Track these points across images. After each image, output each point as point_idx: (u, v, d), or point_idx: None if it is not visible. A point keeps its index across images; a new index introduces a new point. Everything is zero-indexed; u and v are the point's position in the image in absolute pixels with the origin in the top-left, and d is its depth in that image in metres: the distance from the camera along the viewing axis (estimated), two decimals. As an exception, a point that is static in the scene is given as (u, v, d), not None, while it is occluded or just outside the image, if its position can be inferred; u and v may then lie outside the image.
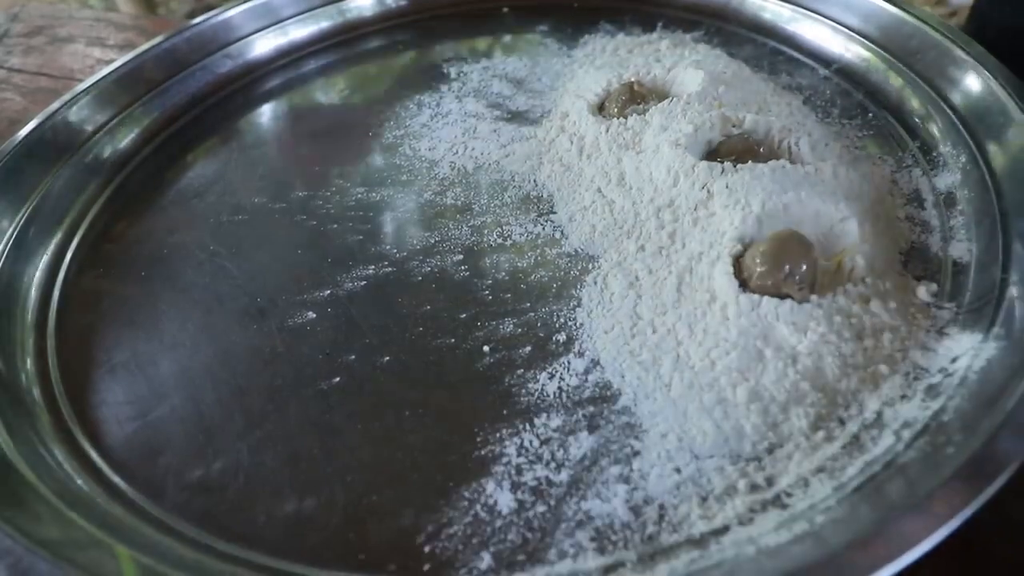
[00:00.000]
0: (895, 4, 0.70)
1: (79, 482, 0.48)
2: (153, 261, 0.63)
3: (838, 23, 0.74)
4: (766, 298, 0.49)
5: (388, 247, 0.61)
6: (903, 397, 0.46)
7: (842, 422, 0.45)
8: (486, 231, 0.61)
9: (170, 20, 1.40)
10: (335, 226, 0.64)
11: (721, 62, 0.71)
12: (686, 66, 0.69)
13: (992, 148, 0.58)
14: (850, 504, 0.40)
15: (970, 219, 0.56)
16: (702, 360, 0.49)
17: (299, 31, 0.86)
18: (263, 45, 0.84)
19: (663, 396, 0.48)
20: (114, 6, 2.04)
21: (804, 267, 0.50)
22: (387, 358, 0.53)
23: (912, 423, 0.44)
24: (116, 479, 0.49)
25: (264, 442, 0.49)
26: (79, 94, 0.74)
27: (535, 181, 0.65)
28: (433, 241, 0.61)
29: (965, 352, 0.46)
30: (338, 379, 0.52)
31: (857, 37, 0.73)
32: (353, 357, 0.53)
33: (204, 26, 0.83)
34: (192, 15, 2.26)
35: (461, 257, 0.59)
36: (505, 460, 0.46)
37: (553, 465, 0.46)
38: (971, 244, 0.55)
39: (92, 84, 0.76)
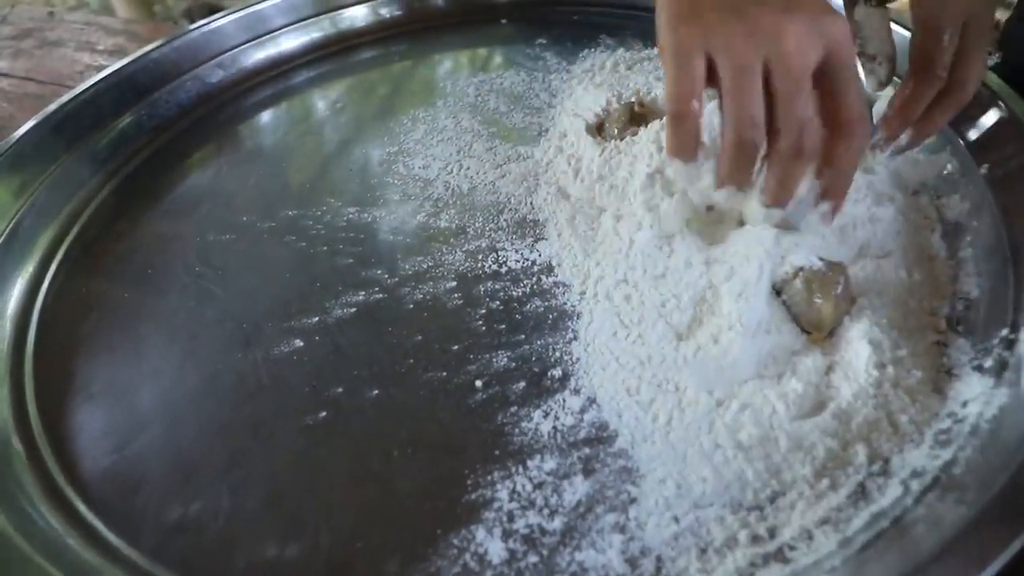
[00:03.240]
0: (902, 24, 0.68)
1: (52, 521, 0.46)
2: (137, 282, 0.61)
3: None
4: (771, 336, 0.48)
5: (379, 272, 0.59)
6: (910, 442, 0.44)
7: (847, 469, 0.43)
8: (480, 256, 0.60)
9: (163, 25, 1.38)
10: (325, 248, 0.62)
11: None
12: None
13: (1003, 178, 0.56)
14: (857, 563, 0.38)
15: (979, 252, 0.54)
16: (703, 400, 0.47)
17: (291, 41, 0.84)
18: (254, 55, 0.82)
19: (662, 438, 0.46)
20: (109, 4, 2.01)
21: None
22: (376, 391, 0.51)
23: (921, 473, 0.42)
24: (91, 517, 0.47)
25: (245, 481, 0.47)
26: (65, 103, 0.72)
27: (531, 204, 0.63)
28: (426, 266, 0.59)
29: (976, 397, 0.45)
30: (324, 414, 0.50)
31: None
32: (340, 390, 0.52)
33: (195, 35, 0.81)
34: (188, 13, 2.24)
35: (454, 284, 0.58)
36: (496, 505, 0.44)
37: (546, 512, 0.44)
38: (980, 279, 0.53)
39: (79, 93, 0.74)
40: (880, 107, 0.56)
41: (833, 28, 0.43)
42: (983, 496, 0.37)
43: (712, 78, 0.45)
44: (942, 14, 0.49)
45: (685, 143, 0.47)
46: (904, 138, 0.55)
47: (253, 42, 0.82)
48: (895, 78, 0.57)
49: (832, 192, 0.48)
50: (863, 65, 0.56)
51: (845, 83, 0.44)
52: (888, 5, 0.55)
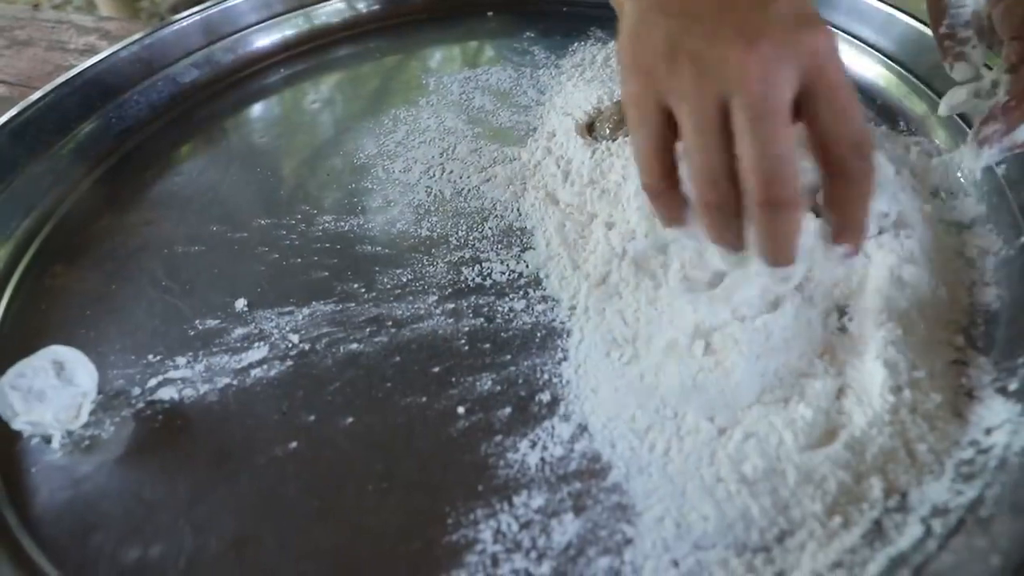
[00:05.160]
0: (915, 16, 0.64)
1: (-2, 568, 0.43)
2: (100, 297, 0.57)
3: (851, 35, 0.68)
4: (778, 358, 0.44)
5: (355, 285, 0.55)
6: (930, 473, 0.40)
7: (861, 505, 0.40)
8: (464, 268, 0.56)
9: (136, 23, 1.34)
10: (298, 260, 0.58)
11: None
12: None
13: (1021, 180, 0.52)
14: (875, 617, 0.35)
15: (999, 260, 0.50)
16: (703, 428, 0.43)
17: (264, 39, 0.80)
18: (227, 54, 0.78)
19: (659, 471, 0.43)
20: (92, 1, 1.97)
21: None
22: (350, 419, 0.47)
23: (943, 511, 0.38)
24: (41, 560, 0.43)
25: (210, 520, 0.44)
26: (27, 107, 0.68)
27: (518, 210, 0.60)
28: (406, 279, 0.55)
29: (1000, 425, 0.41)
30: (295, 444, 0.47)
31: (872, 52, 0.67)
32: (313, 418, 0.48)
33: (166, 32, 0.77)
34: (175, 9, 2.19)
35: (436, 299, 0.54)
36: (479, 548, 0.41)
37: (534, 555, 0.40)
38: (1000, 289, 0.49)
39: (42, 96, 0.69)
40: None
41: (811, 46, 0.36)
42: (1017, 545, 0.34)
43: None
44: None
45: (672, 215, 0.42)
46: (1022, 132, 0.48)
47: (226, 39, 0.78)
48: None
49: (843, 238, 0.41)
50: (948, 49, 0.51)
51: (832, 111, 0.36)
52: None
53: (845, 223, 0.40)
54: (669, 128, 0.39)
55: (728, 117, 0.37)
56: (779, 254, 0.39)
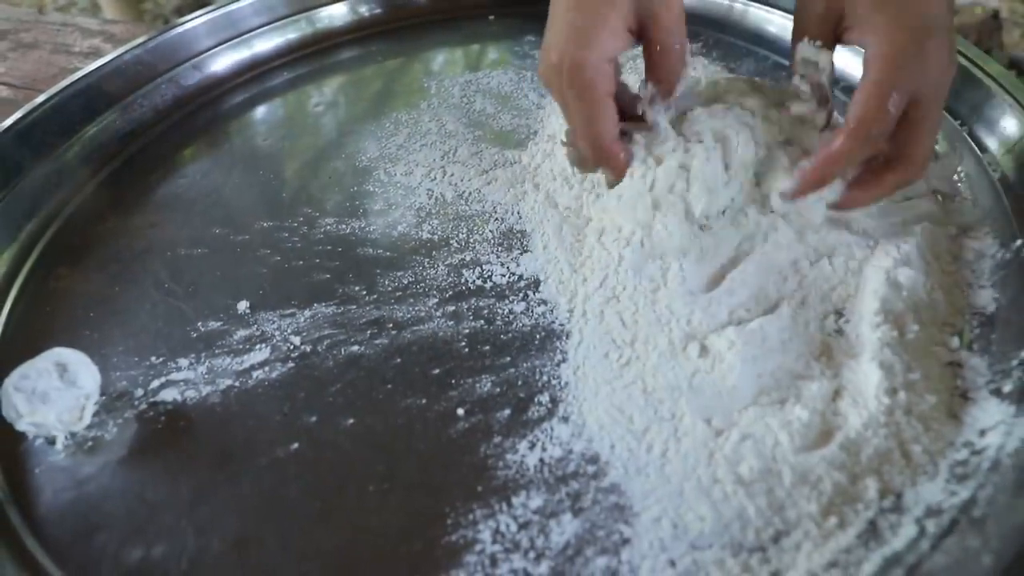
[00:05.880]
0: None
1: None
2: (103, 299, 0.58)
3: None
4: (775, 360, 0.44)
5: (357, 288, 0.56)
6: (924, 474, 0.41)
7: (856, 505, 0.40)
8: (464, 271, 0.56)
9: (140, 26, 1.35)
10: (300, 263, 0.58)
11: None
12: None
13: (1018, 183, 0.53)
14: (869, 617, 0.35)
15: (995, 262, 0.51)
16: (700, 429, 0.44)
17: (267, 42, 0.80)
18: (230, 57, 0.79)
19: (656, 471, 0.43)
20: (97, 3, 1.98)
21: None
22: (351, 420, 0.48)
23: (936, 511, 0.39)
24: (45, 561, 0.44)
25: (212, 520, 0.44)
26: (32, 110, 0.69)
27: (519, 213, 0.60)
28: (406, 282, 0.56)
29: (995, 426, 0.41)
30: (296, 445, 0.47)
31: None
32: (314, 419, 0.48)
33: (170, 35, 0.77)
34: (180, 12, 2.20)
35: (436, 301, 0.54)
36: (479, 548, 0.41)
37: (532, 555, 0.40)
38: (995, 291, 0.49)
39: (47, 99, 0.70)
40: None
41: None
42: (1008, 546, 0.34)
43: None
44: (894, 74, 0.44)
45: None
46: (831, 194, 0.49)
47: (229, 43, 0.78)
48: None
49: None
50: (796, 107, 0.52)
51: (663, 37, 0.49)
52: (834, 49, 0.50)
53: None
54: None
55: None
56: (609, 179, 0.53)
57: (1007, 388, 0.43)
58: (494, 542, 0.41)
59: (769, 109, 0.51)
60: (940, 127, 0.48)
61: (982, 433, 0.42)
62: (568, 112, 0.50)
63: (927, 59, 0.44)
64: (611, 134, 0.49)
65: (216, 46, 0.78)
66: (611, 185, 0.52)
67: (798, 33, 0.50)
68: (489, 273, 0.56)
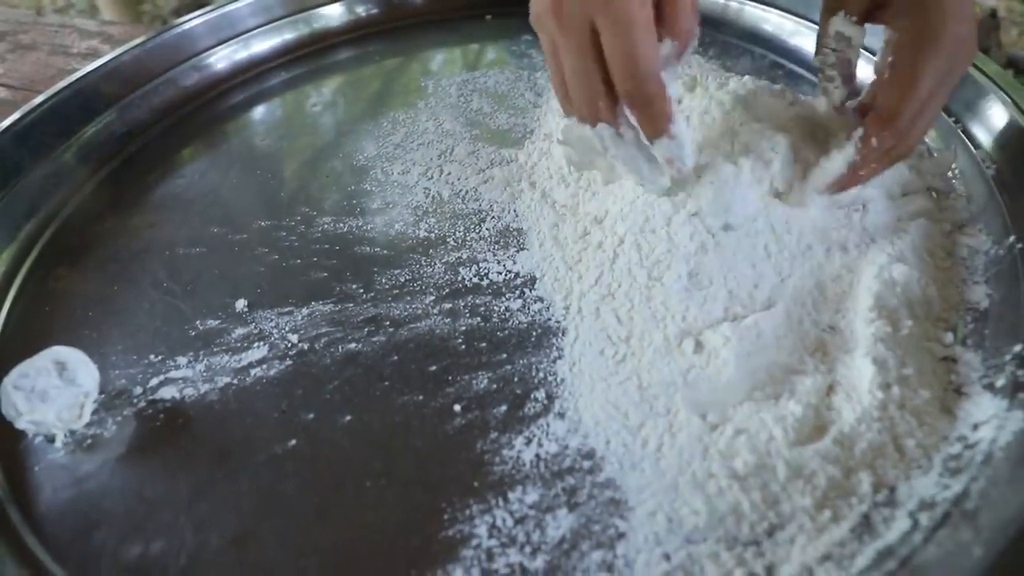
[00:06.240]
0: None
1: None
2: (102, 298, 0.58)
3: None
4: (769, 355, 0.45)
5: (354, 286, 0.56)
6: (918, 468, 0.41)
7: (850, 499, 0.40)
8: (461, 269, 0.56)
9: (139, 27, 1.35)
10: (298, 261, 0.59)
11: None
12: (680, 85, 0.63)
13: (1012, 179, 0.53)
14: (862, 608, 0.35)
15: (989, 258, 0.51)
16: (695, 424, 0.44)
17: (264, 43, 0.81)
18: (228, 57, 0.79)
19: (651, 466, 0.43)
20: (95, 4, 1.98)
21: None
22: (348, 417, 0.48)
23: (930, 504, 0.39)
24: (44, 557, 0.44)
25: (210, 517, 0.44)
26: (30, 111, 0.69)
27: (515, 212, 0.60)
28: (403, 280, 0.56)
29: (987, 420, 0.42)
30: (294, 442, 0.47)
31: (870, 56, 0.67)
32: (312, 416, 0.49)
33: (167, 36, 0.78)
34: (178, 12, 2.21)
35: (433, 299, 0.54)
36: (475, 543, 0.41)
37: (528, 549, 0.41)
38: (989, 287, 0.50)
39: (45, 100, 0.70)
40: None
41: None
42: (999, 536, 0.34)
43: None
44: (935, 63, 0.44)
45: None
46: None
47: (227, 44, 0.79)
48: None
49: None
50: (820, 80, 0.52)
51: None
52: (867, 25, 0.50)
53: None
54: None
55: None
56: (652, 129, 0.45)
57: (1000, 383, 0.44)
58: (490, 537, 0.41)
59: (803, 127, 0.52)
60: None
61: (975, 427, 0.42)
62: (576, 49, 0.44)
63: (960, 45, 0.45)
64: (656, 64, 0.43)
65: (214, 47, 0.78)
66: (653, 136, 0.46)
67: (832, 8, 0.50)
68: (486, 271, 0.56)
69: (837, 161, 0.49)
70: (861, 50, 0.51)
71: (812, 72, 0.70)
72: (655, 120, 0.45)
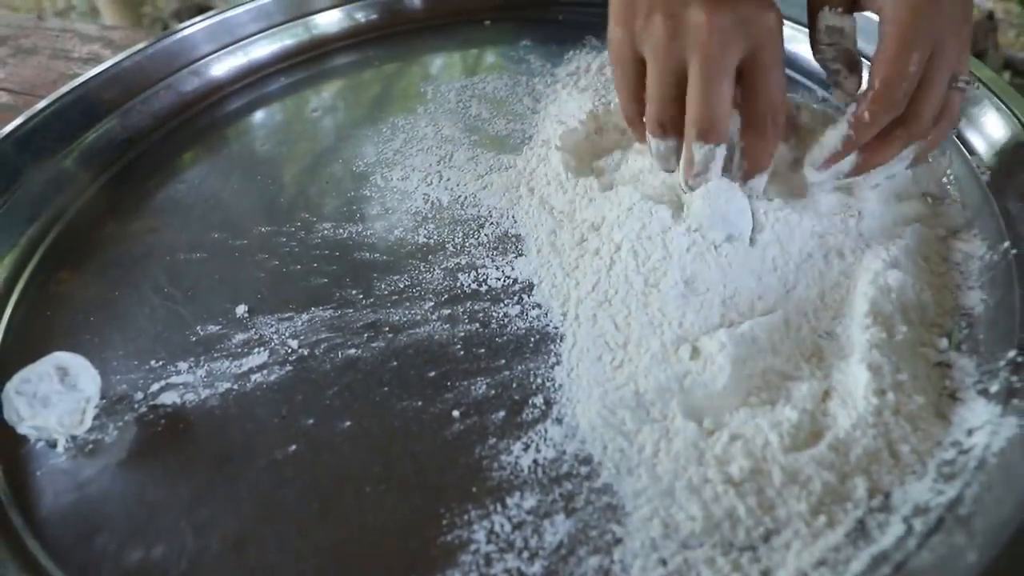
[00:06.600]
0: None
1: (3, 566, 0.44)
2: (103, 303, 0.59)
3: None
4: (765, 361, 0.45)
5: (354, 292, 0.57)
6: (912, 473, 0.41)
7: (845, 504, 0.40)
8: (460, 275, 0.57)
9: (139, 32, 1.35)
10: (298, 267, 0.59)
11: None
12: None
13: (1007, 185, 0.53)
14: (856, 614, 0.36)
15: (983, 263, 0.51)
16: (691, 430, 0.44)
17: (264, 48, 0.81)
18: (227, 63, 0.79)
19: (648, 471, 0.44)
20: (95, 8, 1.98)
21: None
22: (348, 423, 0.49)
23: (924, 509, 0.39)
24: (46, 562, 0.44)
25: (210, 521, 0.45)
26: (31, 117, 0.69)
27: (514, 217, 0.61)
28: (403, 285, 0.57)
29: (982, 426, 0.42)
30: (294, 447, 0.48)
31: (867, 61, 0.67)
32: (311, 421, 0.49)
33: (167, 42, 0.78)
34: (178, 15, 2.21)
35: (432, 305, 0.55)
36: (473, 548, 0.42)
37: (526, 555, 0.41)
38: (983, 292, 0.50)
39: (47, 105, 0.70)
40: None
41: (759, 28, 0.45)
42: (993, 542, 0.35)
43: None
44: (913, 35, 0.45)
45: (641, 138, 0.54)
46: (847, 165, 0.51)
47: (227, 49, 0.79)
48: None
49: (749, 173, 0.51)
50: (828, 77, 0.53)
51: (764, 82, 0.47)
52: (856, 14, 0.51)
53: (750, 164, 0.50)
54: (643, 69, 0.49)
55: (686, 71, 0.46)
56: (689, 172, 0.50)
57: (994, 388, 0.44)
58: (488, 542, 0.42)
59: None
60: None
61: (969, 433, 0.42)
62: (666, 82, 0.48)
63: (943, 15, 0.45)
64: (728, 113, 0.48)
65: (214, 52, 0.79)
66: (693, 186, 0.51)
67: (816, 5, 0.51)
68: (484, 277, 0.56)
69: (832, 137, 0.50)
70: (858, 39, 0.52)
71: (802, 75, 0.70)
72: (771, 145, 0.50)
